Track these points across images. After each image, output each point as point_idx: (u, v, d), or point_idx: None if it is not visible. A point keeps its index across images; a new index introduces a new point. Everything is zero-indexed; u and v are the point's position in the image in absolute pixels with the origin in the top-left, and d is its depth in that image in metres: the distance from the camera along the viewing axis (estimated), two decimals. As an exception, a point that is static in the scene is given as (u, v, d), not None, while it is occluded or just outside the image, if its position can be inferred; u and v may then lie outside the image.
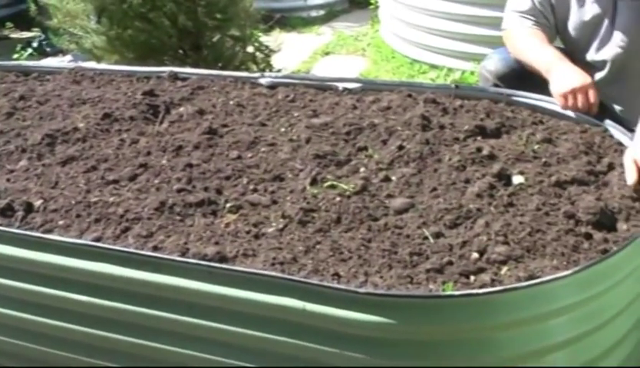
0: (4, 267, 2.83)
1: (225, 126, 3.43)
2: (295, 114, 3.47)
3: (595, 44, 3.48)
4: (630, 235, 2.50)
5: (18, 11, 9.13)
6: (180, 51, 5.42)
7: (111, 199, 2.96)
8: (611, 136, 3.07)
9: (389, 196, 2.80)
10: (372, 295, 2.30)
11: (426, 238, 2.57)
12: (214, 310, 2.51)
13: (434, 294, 2.32)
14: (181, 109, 3.63)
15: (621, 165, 2.80)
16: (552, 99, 3.27)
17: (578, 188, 2.74)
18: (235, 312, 2.48)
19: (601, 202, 2.64)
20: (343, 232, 2.65)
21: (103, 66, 4.75)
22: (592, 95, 3.19)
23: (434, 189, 2.80)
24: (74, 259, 2.69)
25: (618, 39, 3.37)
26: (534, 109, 3.31)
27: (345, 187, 2.85)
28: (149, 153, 3.27)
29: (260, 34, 5.98)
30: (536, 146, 3.00)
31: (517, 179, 2.80)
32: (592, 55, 3.49)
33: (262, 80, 3.82)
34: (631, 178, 2.71)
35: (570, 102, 3.20)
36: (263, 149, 3.20)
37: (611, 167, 2.87)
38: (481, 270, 2.42)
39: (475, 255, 2.47)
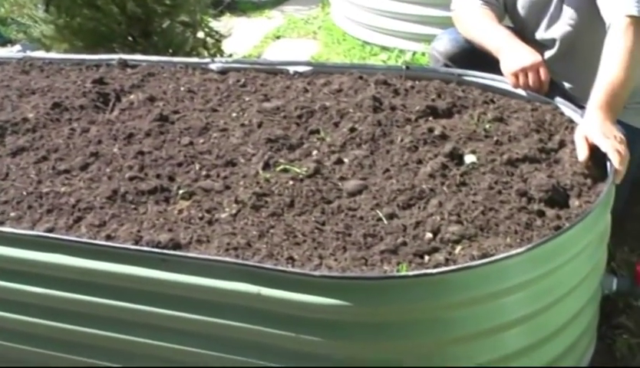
0: (-44, 261, 2.80)
1: (176, 112, 3.41)
2: (247, 99, 3.45)
3: (544, 23, 3.48)
4: (582, 211, 2.52)
5: (-36, 2, 9.00)
6: (130, 38, 5.36)
7: (63, 189, 2.94)
8: (562, 114, 3.08)
9: (342, 179, 2.80)
10: (327, 278, 2.31)
11: (379, 219, 2.58)
12: (169, 298, 2.50)
13: (389, 275, 2.33)
14: (131, 96, 3.60)
15: (573, 142, 2.82)
16: (502, 78, 3.28)
17: (530, 166, 2.75)
18: (190, 299, 2.47)
19: (553, 179, 2.66)
20: (296, 216, 2.65)
21: (52, 55, 4.71)
22: (542, 73, 3.20)
23: (387, 171, 2.81)
24: (26, 251, 2.67)
25: (567, 17, 3.38)
26: (485, 88, 3.32)
27: (298, 170, 2.84)
28: (100, 142, 3.24)
29: (210, 19, 5.93)
30: (487, 125, 3.01)
31: (469, 159, 2.81)
32: (541, 33, 3.49)
33: (213, 66, 3.80)
34: (582, 154, 2.73)
35: (521, 80, 3.21)
36: (215, 134, 3.19)
37: (562, 144, 2.88)
38: (435, 250, 2.43)
39: (429, 235, 2.48)
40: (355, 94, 3.30)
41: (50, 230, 2.72)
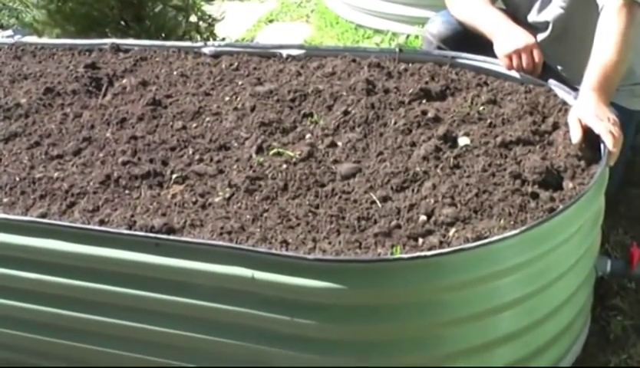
0: (-51, 247, 2.80)
1: (169, 96, 3.40)
2: (240, 83, 3.44)
3: (537, 5, 3.47)
4: (576, 194, 2.52)
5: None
6: (122, 23, 5.34)
7: (56, 175, 2.94)
8: (556, 96, 3.07)
9: (335, 162, 2.80)
10: (321, 261, 2.31)
11: (373, 202, 2.58)
12: (163, 282, 2.50)
13: (383, 258, 2.33)
14: (124, 81, 3.59)
15: (566, 124, 2.81)
16: (496, 60, 3.27)
17: (523, 149, 2.75)
18: (183, 283, 2.48)
19: (546, 161, 2.66)
20: (290, 199, 2.65)
21: (44, 40, 4.70)
22: (536, 55, 3.20)
23: (380, 153, 2.80)
24: (20, 236, 2.68)
25: (559, -1, 3.39)
26: (478, 70, 3.31)
27: (291, 154, 2.84)
28: (93, 127, 3.23)
29: (203, 3, 5.90)
30: (480, 108, 3.00)
31: (463, 141, 2.80)
32: (533, 16, 3.48)
33: (206, 50, 3.79)
34: (575, 136, 2.72)
35: (515, 62, 3.20)
36: (208, 118, 3.18)
37: (556, 126, 2.88)
38: (429, 232, 2.43)
39: (423, 218, 2.48)
40: (348, 77, 3.30)
41: (43, 215, 2.72)
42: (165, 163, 2.93)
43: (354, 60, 3.45)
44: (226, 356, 2.57)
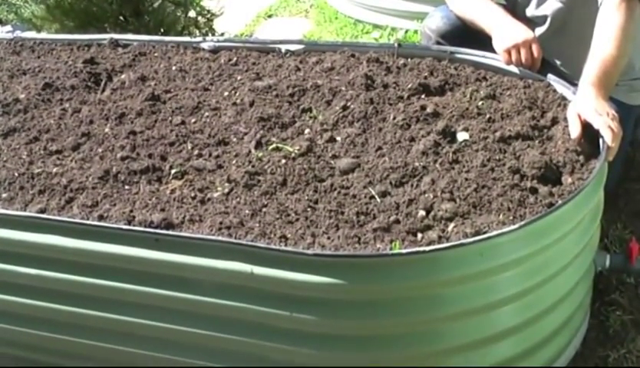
0: (-52, 242, 2.79)
1: (167, 91, 3.41)
2: (238, 78, 3.44)
3: (535, 0, 3.48)
4: (575, 188, 2.52)
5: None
6: (121, 18, 5.35)
7: (55, 170, 2.94)
8: (555, 91, 3.07)
9: (334, 157, 2.80)
10: (320, 256, 2.31)
11: (372, 197, 2.58)
12: (162, 277, 2.50)
13: (382, 253, 2.33)
14: (123, 76, 3.60)
15: (565, 119, 2.81)
16: (495, 55, 3.27)
17: (522, 143, 2.75)
18: (182, 278, 2.48)
19: (545, 156, 2.65)
20: (289, 194, 2.65)
21: (43, 35, 4.69)
22: (535, 50, 3.19)
23: (379, 148, 2.80)
24: (18, 232, 2.68)
25: (558, -7, 3.38)
26: (477, 65, 3.31)
27: (290, 149, 2.84)
28: (91, 122, 3.23)
29: (202, -2, 5.94)
30: (479, 103, 3.00)
31: (462, 136, 2.80)
32: (532, 10, 3.48)
33: (204, 45, 3.79)
34: (574, 131, 2.72)
35: (514, 57, 3.20)
36: (207, 113, 3.18)
37: (555, 121, 2.88)
38: (428, 227, 2.43)
39: (422, 213, 2.48)
40: (347, 72, 3.30)
41: (42, 211, 2.72)
42: (164, 158, 2.93)
43: (353, 55, 3.45)
44: (226, 351, 2.57)
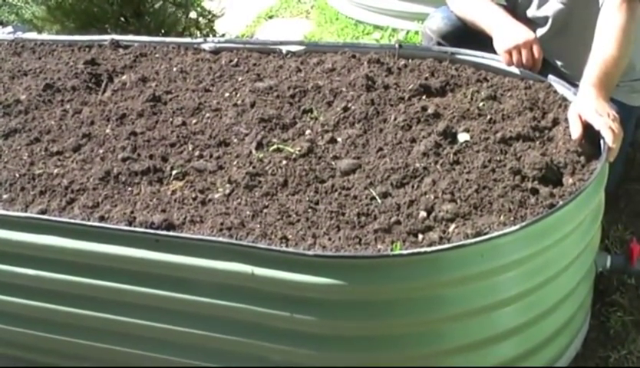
0: (-52, 243, 2.79)
1: (168, 92, 3.41)
2: (239, 79, 3.44)
3: (536, 1, 3.48)
4: (576, 189, 2.52)
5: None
6: (122, 19, 5.35)
7: (56, 171, 2.94)
8: (556, 92, 3.07)
9: (335, 158, 2.80)
10: (321, 257, 2.31)
11: (373, 198, 2.58)
12: (163, 278, 2.50)
13: (383, 254, 2.33)
14: (124, 77, 3.60)
15: (566, 120, 2.81)
16: (496, 56, 3.27)
17: (523, 144, 2.75)
18: (183, 279, 2.48)
19: (546, 157, 2.65)
20: (290, 195, 2.65)
21: (43, 36, 4.69)
22: (536, 51, 3.19)
23: (380, 149, 2.80)
24: (19, 233, 2.68)
25: (559, -6, 3.38)
26: (478, 66, 3.31)
27: (291, 150, 2.84)
28: (92, 123, 3.24)
29: (203, -1, 5.94)
30: (480, 104, 3.00)
31: (463, 137, 2.80)
32: (533, 11, 3.48)
33: (205, 46, 3.79)
34: (575, 132, 2.72)
35: (515, 58, 3.20)
36: (208, 114, 3.19)
37: (555, 122, 2.88)
38: (429, 228, 2.43)
39: (423, 214, 2.48)
40: (348, 73, 3.30)
41: (43, 212, 2.72)
42: (165, 159, 2.93)
43: (353, 56, 3.45)
44: (226, 352, 2.57)
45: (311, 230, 2.47)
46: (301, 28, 6.68)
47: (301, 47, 3.62)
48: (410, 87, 3.12)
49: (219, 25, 5.93)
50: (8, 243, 2.71)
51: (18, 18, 5.74)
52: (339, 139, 2.89)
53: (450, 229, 2.41)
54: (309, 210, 2.56)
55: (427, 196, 2.54)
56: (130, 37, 4.13)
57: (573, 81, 3.07)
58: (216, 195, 2.70)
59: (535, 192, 2.53)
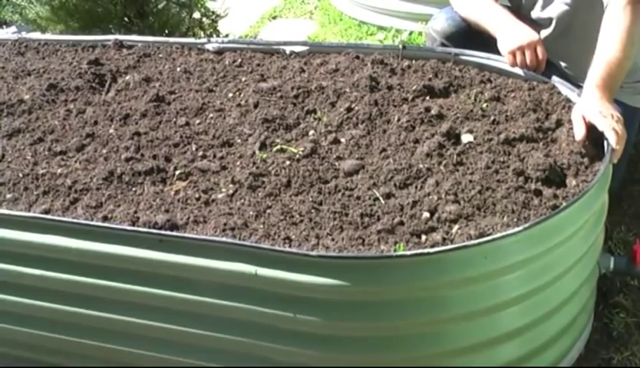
0: (-48, 243, 2.80)
1: (172, 93, 3.41)
2: (243, 79, 3.44)
3: (540, 1, 3.48)
4: (579, 191, 2.52)
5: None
6: (126, 19, 5.34)
7: (59, 171, 2.94)
8: (559, 93, 3.07)
9: (339, 158, 2.80)
10: (324, 258, 2.31)
11: (376, 199, 2.58)
12: (166, 278, 2.50)
13: (386, 255, 2.33)
14: (127, 77, 3.60)
15: (570, 121, 2.81)
16: (499, 57, 3.27)
17: (527, 146, 2.75)
18: (186, 279, 2.48)
19: (550, 158, 2.65)
20: (293, 196, 2.65)
21: (47, 36, 4.69)
22: (540, 52, 3.19)
23: (384, 150, 2.80)
24: (23, 232, 2.68)
25: (563, -4, 3.38)
26: (482, 67, 3.31)
27: (294, 150, 2.84)
28: (96, 123, 3.24)
29: (206, -1, 5.93)
30: (484, 105, 3.00)
31: (466, 138, 2.80)
32: (537, 12, 3.48)
33: (209, 46, 3.79)
34: (579, 133, 2.72)
35: (519, 59, 3.19)
36: (211, 115, 3.19)
37: (559, 123, 2.88)
38: (432, 229, 2.43)
39: (426, 215, 2.48)
40: (352, 74, 3.30)
41: (46, 211, 2.72)
42: (168, 159, 2.93)
43: (357, 57, 3.45)
44: (228, 352, 2.57)
45: (315, 230, 2.47)
46: (304, 29, 6.68)
47: (305, 48, 3.62)
48: (413, 87, 3.13)
49: (223, 26, 5.93)
50: (11, 243, 2.71)
51: (22, 17, 5.73)
52: (342, 140, 2.89)
53: (454, 230, 2.41)
54: (312, 210, 2.56)
55: (431, 197, 2.54)
56: (134, 37, 4.13)
57: (577, 82, 3.07)
58: (220, 196, 2.70)
59: (538, 193, 2.53)
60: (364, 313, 2.35)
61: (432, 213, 2.49)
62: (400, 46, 3.47)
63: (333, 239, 2.42)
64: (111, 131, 3.16)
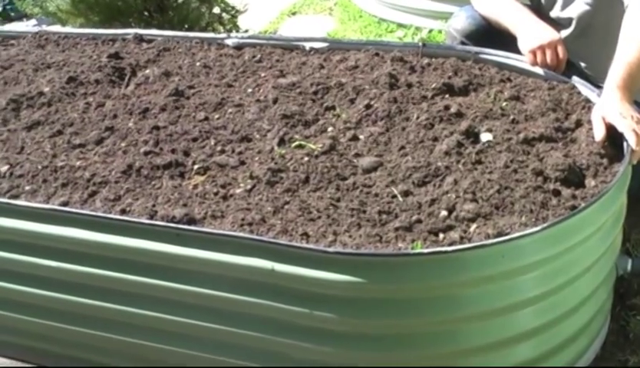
0: (-29, 234, 2.81)
1: (191, 87, 3.41)
2: (262, 74, 3.45)
3: (560, 1, 3.47)
4: (598, 191, 2.51)
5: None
6: (146, 13, 5.37)
7: (78, 163, 2.95)
8: (579, 93, 3.06)
9: (357, 155, 2.80)
10: (341, 254, 2.30)
11: (394, 196, 2.57)
12: (183, 272, 2.50)
13: (403, 253, 2.33)
14: (147, 71, 3.61)
15: (589, 121, 2.80)
16: (519, 56, 3.26)
17: (546, 145, 2.74)
18: (203, 274, 2.48)
19: (569, 158, 2.64)
20: (311, 192, 2.65)
21: (67, 29, 4.71)
22: (560, 51, 3.18)
23: (402, 148, 2.80)
24: (41, 224, 2.69)
25: (584, -5, 3.37)
26: (502, 66, 3.30)
27: (313, 147, 2.84)
28: (115, 116, 3.25)
29: (226, -6, 5.94)
30: (504, 104, 3.00)
31: (485, 137, 2.79)
32: (557, 12, 3.47)
33: (229, 41, 3.80)
34: (599, 134, 2.71)
35: (539, 58, 3.19)
36: (230, 110, 3.19)
37: (579, 124, 2.87)
38: (450, 227, 2.42)
39: (444, 213, 2.47)
40: (371, 71, 3.30)
41: (64, 204, 2.73)
42: (187, 154, 2.93)
43: (377, 54, 3.45)
44: (244, 348, 2.57)
45: (332, 227, 2.47)
46: (324, 25, 6.68)
47: (325, 44, 3.62)
48: (433, 85, 3.12)
49: (242, 21, 5.95)
50: (29, 234, 2.72)
51: (42, 10, 5.76)
52: (361, 137, 2.89)
53: (471, 229, 2.40)
54: (330, 207, 2.56)
55: (449, 195, 2.54)
56: (154, 31, 4.15)
57: (597, 83, 3.06)
58: (238, 191, 2.70)
59: (557, 193, 2.52)
60: (381, 310, 2.35)
61: (450, 211, 2.48)
62: (420, 44, 3.47)
63: (350, 236, 2.42)
64: (130, 125, 3.16)
